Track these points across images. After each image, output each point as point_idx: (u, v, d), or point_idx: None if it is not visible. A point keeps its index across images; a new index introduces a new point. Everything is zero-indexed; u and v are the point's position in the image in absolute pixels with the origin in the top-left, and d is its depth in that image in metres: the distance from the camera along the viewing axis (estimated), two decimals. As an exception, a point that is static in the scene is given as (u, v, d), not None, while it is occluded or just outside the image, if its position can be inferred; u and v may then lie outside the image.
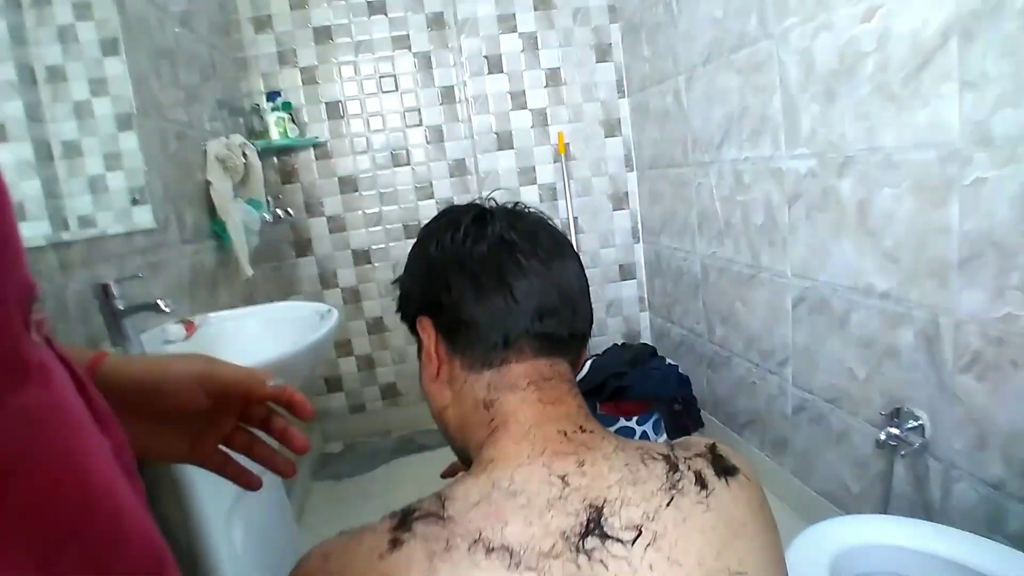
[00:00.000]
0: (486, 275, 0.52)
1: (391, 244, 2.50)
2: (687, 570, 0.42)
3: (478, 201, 0.59)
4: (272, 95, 2.27)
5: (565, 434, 0.49)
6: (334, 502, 2.12)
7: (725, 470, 0.49)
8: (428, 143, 2.47)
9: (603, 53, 2.47)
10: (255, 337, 1.16)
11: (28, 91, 1.03)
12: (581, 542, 0.41)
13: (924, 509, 1.26)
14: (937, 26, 1.07)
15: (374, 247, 2.49)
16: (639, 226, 2.58)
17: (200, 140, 1.68)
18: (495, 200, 0.59)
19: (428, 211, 2.49)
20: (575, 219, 2.51)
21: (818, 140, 1.40)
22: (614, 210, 2.56)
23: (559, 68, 2.45)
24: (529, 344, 0.52)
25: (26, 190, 0.99)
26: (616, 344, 2.48)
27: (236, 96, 2.21)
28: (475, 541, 0.40)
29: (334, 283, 2.49)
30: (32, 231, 0.95)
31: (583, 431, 0.49)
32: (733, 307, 1.90)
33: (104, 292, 0.98)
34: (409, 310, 0.57)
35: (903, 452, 1.23)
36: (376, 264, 2.50)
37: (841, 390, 1.46)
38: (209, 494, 0.99)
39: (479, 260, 0.53)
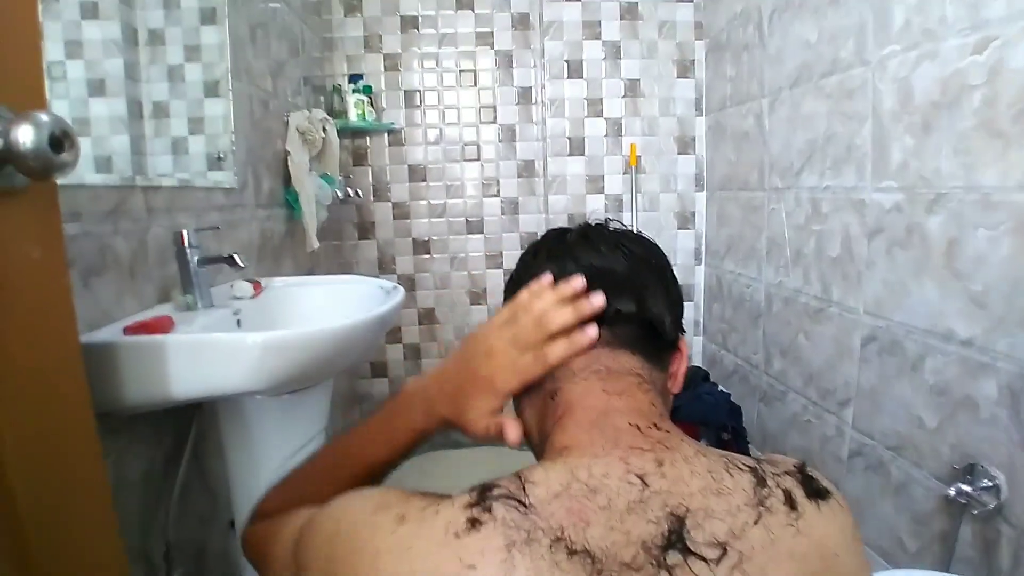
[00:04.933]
0: (547, 264, 0.55)
1: (451, 237, 2.51)
2: None
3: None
4: (354, 77, 2.32)
5: (639, 428, 0.46)
6: (365, 484, 2.12)
7: (817, 492, 0.45)
8: (500, 141, 2.48)
9: (685, 69, 2.43)
10: (319, 305, 1.17)
11: (129, 51, 1.07)
12: (663, 555, 0.38)
13: None
14: (1061, 62, 1.00)
15: (434, 238, 2.51)
16: (703, 248, 2.52)
17: (283, 111, 1.73)
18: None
19: (492, 208, 2.50)
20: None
21: (908, 174, 1.34)
22: (679, 229, 2.50)
23: (639, 80, 2.43)
24: None
25: (115, 145, 1.03)
26: (666, 364, 2.43)
27: (320, 74, 2.27)
28: (557, 539, 0.38)
29: (391, 268, 2.51)
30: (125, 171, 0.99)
31: (658, 429, 0.46)
32: (795, 340, 1.83)
33: (181, 239, 1.01)
34: None
35: (975, 511, 1.15)
36: (435, 255, 2.52)
37: (906, 438, 1.38)
38: (247, 460, 1.00)
39: (546, 254, 0.57)
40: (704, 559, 0.38)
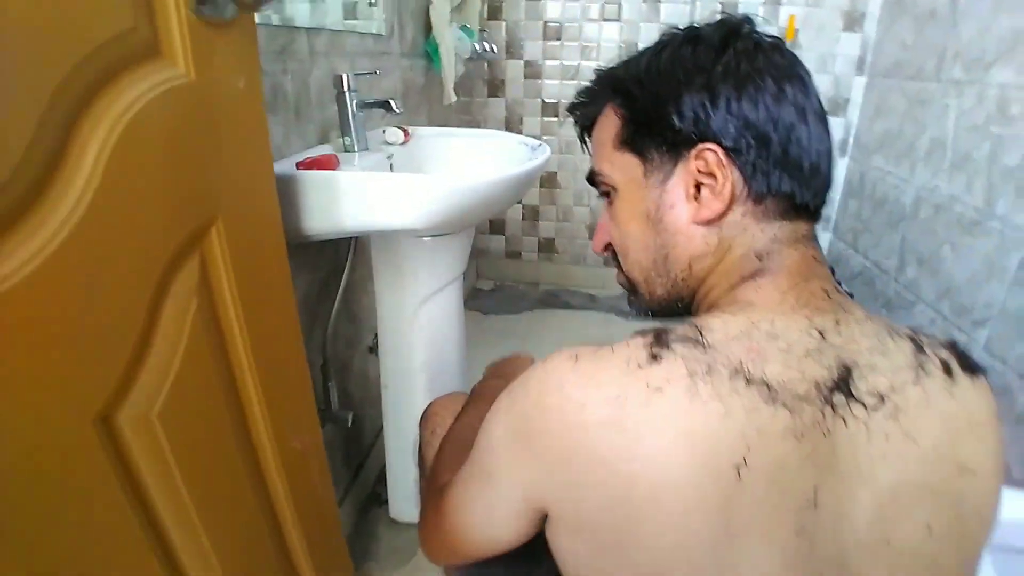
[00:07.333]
0: (812, 112, 0.50)
1: (581, 102, 2.44)
2: (921, 451, 0.42)
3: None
4: (497, -78, 2.19)
5: (828, 293, 0.48)
6: (479, 332, 2.28)
7: (971, 368, 0.47)
8: (644, 1, 2.30)
9: (870, -71, 2.10)
10: (463, 157, 1.22)
11: None
12: (831, 394, 0.42)
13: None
14: None
15: (564, 101, 2.45)
16: (850, 139, 2.32)
17: (427, -43, 1.69)
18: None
19: (626, 76, 2.38)
20: (780, 117, 2.30)
21: None
22: (828, 115, 2.30)
23: (813, -63, 2.13)
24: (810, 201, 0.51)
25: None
26: (788, 256, 2.36)
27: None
28: (736, 371, 0.41)
29: (518, 129, 2.50)
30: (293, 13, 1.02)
31: (838, 293, 0.49)
32: (938, 251, 1.71)
33: (341, 82, 1.05)
34: (673, 134, 0.50)
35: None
36: (563, 118, 2.47)
37: (1043, 368, 1.31)
38: (396, 293, 1.10)
39: (801, 97, 0.49)
40: (864, 405, 0.43)
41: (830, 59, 2.25)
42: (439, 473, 0.64)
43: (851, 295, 1.76)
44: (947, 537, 0.43)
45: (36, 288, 0.39)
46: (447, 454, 0.68)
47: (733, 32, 0.50)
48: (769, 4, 2.21)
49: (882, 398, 0.43)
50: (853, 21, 2.20)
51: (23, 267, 0.39)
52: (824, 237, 2.47)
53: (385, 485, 1.35)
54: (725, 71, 0.48)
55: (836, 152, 2.31)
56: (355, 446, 1.41)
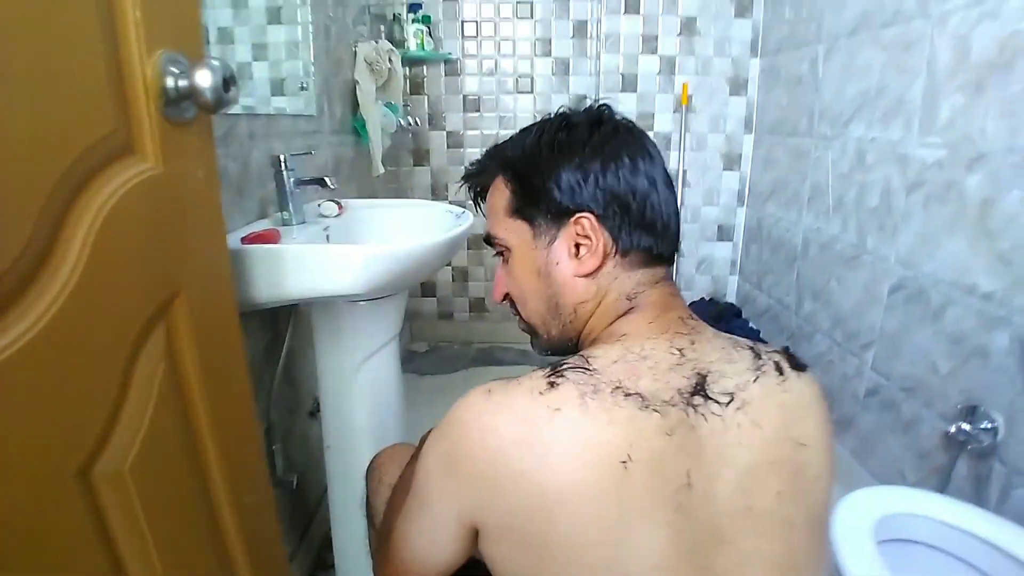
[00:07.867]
0: (661, 181, 0.62)
1: (501, 168, 2.60)
2: (765, 433, 0.54)
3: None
4: (413, 7, 2.37)
5: (683, 320, 0.60)
6: (416, 393, 2.33)
7: (798, 366, 0.59)
8: (553, 75, 2.53)
9: (743, 8, 2.41)
10: (394, 225, 1.31)
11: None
12: (691, 397, 0.53)
13: (978, 506, 1.31)
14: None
15: (485, 168, 2.61)
16: (746, 190, 2.57)
17: (348, 40, 1.82)
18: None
19: (541, 142, 2.57)
20: (684, 172, 2.53)
21: (954, 131, 1.39)
22: (724, 170, 2.55)
23: (695, 18, 2.42)
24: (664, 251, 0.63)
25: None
26: (704, 298, 2.55)
27: (380, 3, 2.33)
28: (616, 387, 0.51)
29: (444, 195, 2.64)
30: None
31: (692, 319, 0.61)
32: (827, 285, 1.92)
33: (279, 162, 1.14)
34: (555, 206, 0.61)
35: (970, 447, 1.27)
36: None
37: (919, 381, 1.49)
38: (336, 355, 1.16)
39: (651, 169, 0.62)
40: (718, 402, 0.53)
41: (722, 120, 2.51)
42: (391, 519, 0.70)
43: (758, 332, 1.95)
44: (795, 499, 0.54)
45: (32, 356, 0.45)
46: (399, 500, 0.74)
47: (596, 118, 0.63)
48: (665, 73, 2.47)
49: (732, 396, 0.54)
50: (738, 86, 2.48)
51: (22, 336, 0.45)
52: (732, 280, 2.69)
53: (331, 550, 1.35)
54: (592, 152, 0.60)
55: (734, 201, 2.56)
56: (300, 512, 1.43)
